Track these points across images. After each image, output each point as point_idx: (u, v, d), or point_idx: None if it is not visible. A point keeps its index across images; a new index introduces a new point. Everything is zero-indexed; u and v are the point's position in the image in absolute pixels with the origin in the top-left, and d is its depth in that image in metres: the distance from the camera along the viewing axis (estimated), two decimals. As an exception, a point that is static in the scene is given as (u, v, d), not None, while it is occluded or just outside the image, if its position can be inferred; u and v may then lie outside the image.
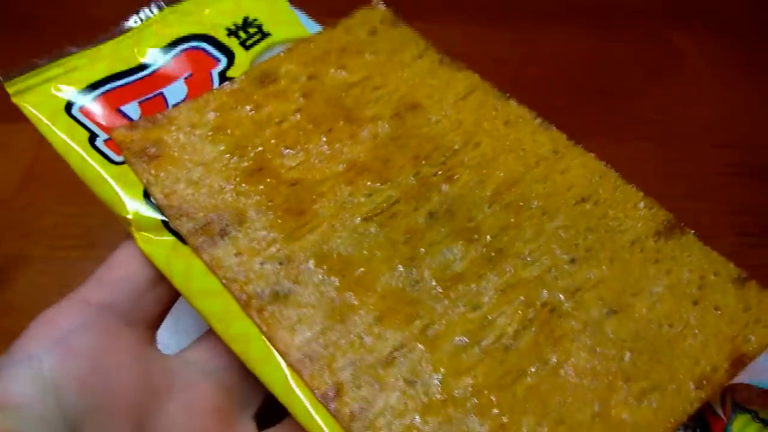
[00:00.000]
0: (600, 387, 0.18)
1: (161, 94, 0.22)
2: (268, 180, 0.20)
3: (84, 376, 0.18)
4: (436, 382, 0.17)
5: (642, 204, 0.21)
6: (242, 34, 0.24)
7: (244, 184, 0.20)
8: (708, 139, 0.39)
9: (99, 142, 0.21)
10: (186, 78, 0.23)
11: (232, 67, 0.23)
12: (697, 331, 0.19)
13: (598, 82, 0.42)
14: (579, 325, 0.18)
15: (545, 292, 0.19)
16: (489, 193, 0.21)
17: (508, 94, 0.23)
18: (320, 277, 0.19)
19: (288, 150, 0.21)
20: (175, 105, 0.22)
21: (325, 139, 0.21)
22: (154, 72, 0.23)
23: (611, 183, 0.21)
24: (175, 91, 0.22)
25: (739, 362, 0.18)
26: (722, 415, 0.23)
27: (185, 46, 0.23)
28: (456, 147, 0.21)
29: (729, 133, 0.39)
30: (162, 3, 0.24)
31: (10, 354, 0.18)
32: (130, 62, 0.23)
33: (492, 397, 0.17)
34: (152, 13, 0.24)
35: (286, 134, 0.21)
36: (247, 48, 0.24)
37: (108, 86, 0.22)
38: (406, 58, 0.23)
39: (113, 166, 0.21)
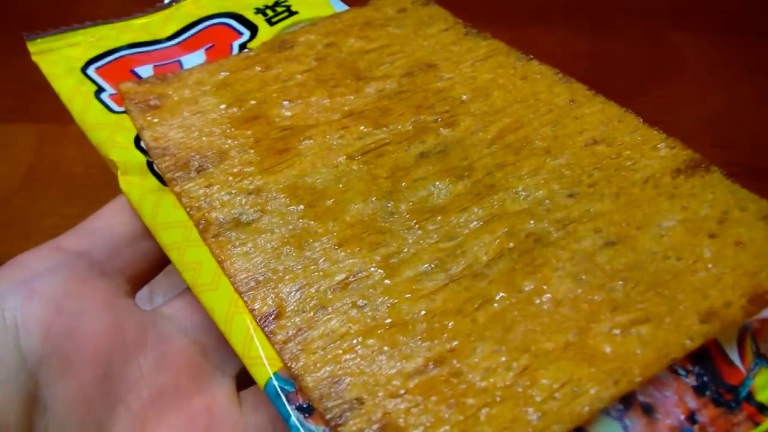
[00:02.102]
0: (579, 316, 0.15)
1: (178, 61, 0.23)
2: (260, 126, 0.20)
3: (47, 318, 0.17)
4: (386, 306, 0.16)
5: (663, 144, 0.19)
6: (269, 12, 0.24)
7: (233, 129, 0.20)
8: (708, 139, 0.39)
9: (104, 96, 0.21)
10: (207, 49, 0.23)
11: (254, 40, 0.23)
12: (711, 265, 0.16)
13: (598, 82, 0.42)
14: (566, 255, 0.17)
15: (532, 222, 0.17)
16: (490, 136, 0.19)
17: (531, 56, 0.22)
18: (286, 206, 0.18)
19: (287, 102, 0.21)
20: (189, 68, 0.22)
21: (327, 93, 0.21)
22: (177, 44, 0.23)
23: (630, 126, 0.20)
24: (194, 60, 0.23)
25: (761, 299, 0.16)
26: (740, 366, 0.17)
27: (211, 22, 0.24)
28: (463, 98, 0.21)
29: (729, 133, 0.39)
30: None
31: None
32: (156, 35, 0.23)
33: (447, 323, 0.16)
34: None
35: (289, 90, 0.21)
36: (272, 24, 0.24)
37: (127, 51, 0.23)
38: (431, 31, 0.23)
39: (111, 114, 0.21)
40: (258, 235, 0.17)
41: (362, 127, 0.20)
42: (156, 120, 0.20)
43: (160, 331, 0.19)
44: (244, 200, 0.18)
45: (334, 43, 0.22)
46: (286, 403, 0.15)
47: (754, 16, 0.46)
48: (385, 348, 0.15)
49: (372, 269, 0.17)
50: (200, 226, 0.18)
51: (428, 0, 0.24)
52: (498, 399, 0.14)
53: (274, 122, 0.20)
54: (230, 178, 0.19)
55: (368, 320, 0.16)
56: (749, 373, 0.16)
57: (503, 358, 0.15)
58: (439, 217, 0.18)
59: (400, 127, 0.20)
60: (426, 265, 0.17)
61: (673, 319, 0.15)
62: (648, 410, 0.15)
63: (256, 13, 0.25)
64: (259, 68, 0.21)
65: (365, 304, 0.16)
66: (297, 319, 0.16)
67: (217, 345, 0.19)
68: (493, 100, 0.20)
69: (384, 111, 0.20)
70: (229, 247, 0.17)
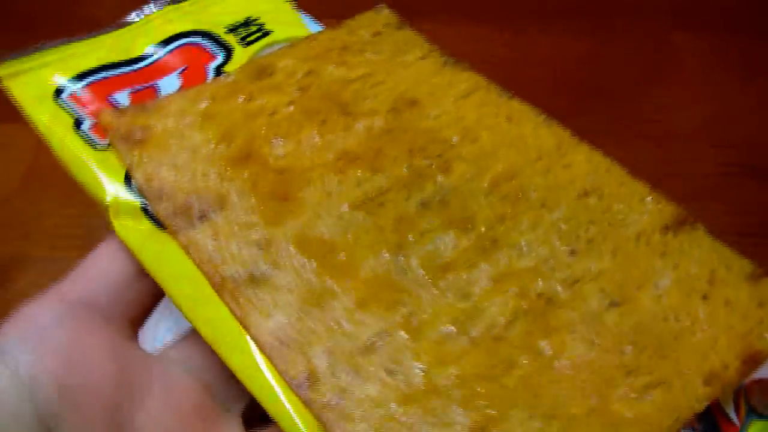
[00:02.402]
0: (598, 381, 0.17)
1: (154, 85, 0.22)
2: (255, 167, 0.20)
3: (58, 372, 0.17)
4: (419, 371, 0.16)
5: (649, 198, 0.20)
6: (242, 31, 0.24)
7: (229, 170, 0.20)
8: (707, 139, 0.39)
9: (84, 127, 0.21)
10: (181, 71, 0.23)
11: (229, 62, 0.23)
12: (706, 326, 0.17)
13: (598, 82, 0.42)
14: (577, 317, 0.17)
15: (541, 282, 0.18)
16: (486, 185, 0.20)
17: (512, 93, 0.22)
18: (299, 260, 0.18)
19: (278, 139, 0.20)
20: (167, 95, 0.22)
21: (317, 130, 0.21)
22: (149, 64, 0.23)
23: (617, 178, 0.20)
24: (169, 84, 0.22)
25: (752, 360, 0.17)
26: (736, 421, 0.21)
27: (183, 41, 0.23)
28: (454, 141, 0.21)
29: (728, 133, 0.39)
30: (165, 0, 0.24)
31: None
32: (128, 54, 0.23)
33: (478, 388, 0.16)
34: (154, 9, 0.24)
35: (277, 125, 0.21)
36: (246, 44, 0.24)
37: (101, 75, 0.22)
38: (409, 58, 0.23)
39: (96, 151, 0.20)
40: (276, 293, 0.18)
41: (359, 172, 0.20)
42: (145, 157, 0.20)
43: (166, 375, 0.19)
44: (255, 253, 0.18)
45: (314, 70, 0.22)
46: None
47: (754, 17, 0.46)
48: (425, 415, 0.16)
49: (395, 331, 0.17)
50: (215, 284, 0.18)
51: (402, 23, 0.24)
52: None
53: (268, 163, 0.20)
54: (236, 228, 0.19)
55: (403, 386, 0.16)
56: (743, 427, 0.19)
57: (538, 424, 0.16)
58: (450, 276, 0.18)
59: (396, 171, 0.20)
60: (446, 328, 0.17)
61: (681, 382, 0.17)
62: None
63: (228, 32, 0.24)
64: (242, 98, 0.21)
65: (397, 369, 0.17)
66: (332, 385, 0.16)
67: (224, 383, 0.20)
68: (482, 143, 0.21)
69: (377, 153, 0.20)
70: (248, 305, 0.17)
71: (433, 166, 0.20)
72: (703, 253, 0.19)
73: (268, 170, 0.20)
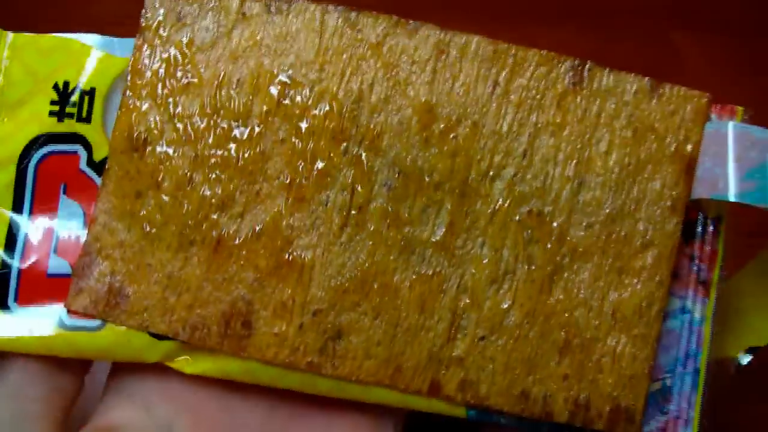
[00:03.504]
0: (610, 257, 0.19)
1: (61, 227, 0.20)
2: (236, 253, 0.20)
3: None
4: (495, 330, 0.19)
5: (544, 65, 0.21)
6: (71, 110, 0.20)
7: (221, 273, 0.20)
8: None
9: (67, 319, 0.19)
10: (64, 192, 0.20)
11: (93, 150, 0.20)
12: (651, 156, 0.20)
13: (598, 82, 0.42)
14: (565, 213, 0.19)
15: (524, 206, 0.20)
16: (417, 132, 0.20)
17: (353, 7, 0.20)
18: (352, 307, 0.19)
19: (221, 206, 0.20)
20: (85, 243, 0.20)
21: (240, 175, 0.20)
22: (30, 216, 0.20)
23: (507, 55, 0.20)
24: (67, 210, 0.20)
25: (689, 168, 0.20)
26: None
27: (34, 160, 0.20)
28: (356, 99, 0.20)
29: (729, 133, 0.39)
30: None
31: None
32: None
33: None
34: None
35: (207, 201, 0.20)
36: (87, 120, 0.20)
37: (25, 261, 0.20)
38: (231, 27, 0.20)
39: (97, 333, 0.19)
40: (360, 336, 0.20)
41: (316, 195, 0.20)
42: (140, 302, 0.20)
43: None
44: (315, 322, 0.20)
45: (176, 110, 0.20)
46: None
47: (754, 16, 0.46)
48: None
49: (465, 314, 0.20)
50: (312, 367, 0.20)
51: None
52: None
53: (245, 235, 0.20)
54: (279, 316, 0.20)
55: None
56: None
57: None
58: (458, 239, 0.20)
59: (338, 174, 0.20)
60: (491, 279, 0.20)
61: (659, 215, 0.20)
62: None
63: (59, 120, 0.20)
64: (152, 191, 0.20)
65: (489, 335, 0.20)
66: (458, 376, 0.20)
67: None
68: (377, 88, 0.20)
69: (312, 157, 0.20)
70: (341, 359, 0.20)
71: (364, 140, 0.20)
72: (611, 90, 0.20)
73: (248, 244, 0.20)
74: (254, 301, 0.20)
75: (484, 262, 0.19)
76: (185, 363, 0.20)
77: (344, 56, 0.20)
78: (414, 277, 0.19)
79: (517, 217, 0.20)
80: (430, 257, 0.20)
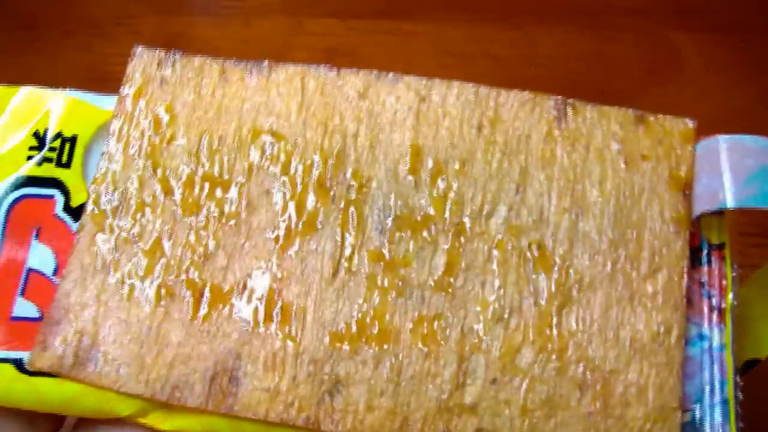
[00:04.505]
0: (618, 284, 0.19)
1: (30, 270, 0.20)
2: (221, 304, 0.19)
3: None
4: (508, 371, 0.18)
5: (526, 107, 0.21)
6: (49, 154, 0.20)
7: (205, 326, 0.19)
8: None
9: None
10: (37, 234, 0.20)
11: (71, 196, 0.20)
12: (645, 179, 0.19)
13: (598, 82, 0.42)
14: (567, 245, 0.19)
15: (523, 239, 0.19)
16: (406, 176, 0.20)
17: (334, 67, 0.21)
18: (350, 354, 0.18)
19: (205, 257, 0.19)
20: (55, 299, 0.19)
21: (224, 222, 0.20)
22: (7, 254, 0.20)
23: (489, 97, 0.21)
24: (38, 256, 0.20)
25: (686, 189, 0.19)
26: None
27: (7, 203, 0.20)
28: (340, 148, 0.20)
29: (728, 132, 0.39)
30: None
31: None
32: None
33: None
34: None
35: (189, 243, 0.19)
36: (66, 166, 0.20)
37: None
38: (213, 89, 0.21)
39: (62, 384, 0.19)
40: (359, 388, 0.19)
41: (306, 238, 0.20)
42: (121, 357, 0.19)
43: None
44: (312, 373, 0.19)
45: (158, 163, 0.20)
46: None
47: (754, 16, 0.46)
48: None
49: (474, 343, 0.19)
50: (309, 424, 0.18)
51: (172, 54, 0.22)
52: None
53: (224, 292, 0.19)
54: (271, 369, 0.19)
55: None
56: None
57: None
58: (459, 277, 0.19)
59: (329, 218, 0.20)
60: (499, 313, 0.19)
61: (661, 241, 0.19)
62: None
63: (39, 164, 0.20)
64: (130, 245, 0.19)
65: (498, 378, 0.18)
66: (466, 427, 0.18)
67: None
68: (362, 140, 0.21)
69: (299, 207, 0.20)
70: (347, 414, 0.19)
71: (351, 188, 0.20)
72: (595, 125, 0.20)
73: (234, 296, 0.19)
74: (242, 355, 0.18)
75: (488, 300, 0.19)
76: (162, 418, 0.18)
77: (327, 110, 0.21)
78: (415, 319, 0.19)
79: (518, 252, 0.19)
80: (429, 299, 0.19)
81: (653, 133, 0.20)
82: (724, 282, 0.19)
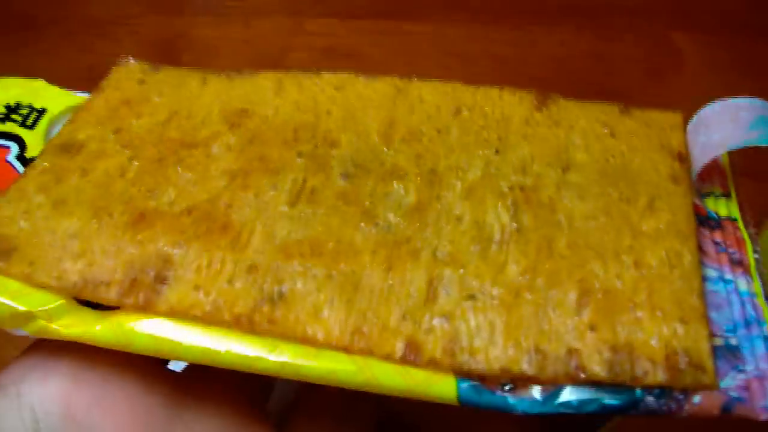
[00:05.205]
0: (615, 217, 0.17)
1: None
2: (160, 222, 0.18)
3: (64, 395, 0.17)
4: (487, 288, 0.16)
5: (505, 94, 0.21)
6: (16, 117, 0.21)
7: (138, 235, 0.18)
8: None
9: None
10: None
11: (26, 149, 0.21)
12: (636, 150, 0.19)
13: (598, 81, 0.42)
14: (553, 188, 0.18)
15: (503, 183, 0.19)
16: (377, 139, 0.20)
17: (315, 68, 0.22)
18: (303, 267, 0.17)
19: (154, 191, 0.19)
20: None
21: (180, 168, 0.19)
22: None
23: (468, 91, 0.21)
24: None
25: (682, 159, 0.19)
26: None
27: None
28: (311, 122, 0.20)
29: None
30: None
31: None
32: None
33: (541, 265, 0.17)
34: None
35: (139, 180, 0.19)
36: (30, 127, 0.21)
37: None
38: (192, 88, 0.22)
39: None
40: (307, 298, 0.17)
41: (263, 180, 0.19)
42: (34, 262, 0.18)
43: (201, 389, 0.19)
44: (251, 280, 0.17)
45: (120, 128, 0.21)
46: (484, 389, 0.15)
47: (754, 16, 0.46)
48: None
49: (439, 271, 0.17)
50: (241, 323, 0.16)
51: (154, 66, 0.23)
52: None
53: (166, 212, 0.18)
54: (206, 272, 0.17)
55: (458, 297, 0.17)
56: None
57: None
58: (429, 213, 0.18)
59: (292, 163, 0.19)
60: (473, 247, 0.17)
61: (662, 190, 0.19)
62: None
63: (3, 121, 0.21)
64: (76, 176, 0.19)
65: (474, 295, 0.16)
66: (438, 336, 0.16)
67: (255, 390, 0.19)
68: (336, 115, 0.21)
69: (260, 159, 0.20)
70: (294, 319, 0.17)
71: (318, 146, 0.20)
72: (579, 112, 0.20)
73: (174, 217, 0.18)
74: (173, 259, 0.17)
75: (463, 230, 0.17)
76: (69, 321, 0.17)
77: (302, 96, 0.21)
78: (378, 240, 0.17)
79: (497, 191, 0.18)
80: (396, 227, 0.18)
81: (640, 120, 0.20)
82: (740, 237, 0.18)
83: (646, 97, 0.41)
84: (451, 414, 0.20)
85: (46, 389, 0.17)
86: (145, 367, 0.18)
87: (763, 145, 0.18)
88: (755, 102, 0.20)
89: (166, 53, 0.43)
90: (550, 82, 0.42)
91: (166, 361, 0.20)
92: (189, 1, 0.47)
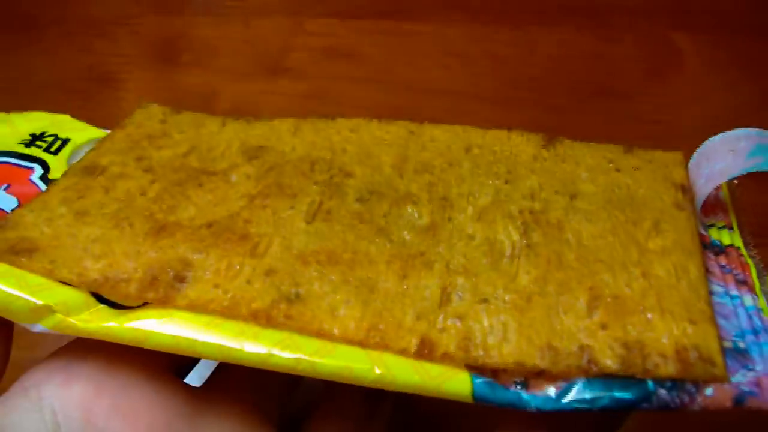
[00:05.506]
0: (622, 237, 0.18)
1: None
2: (179, 233, 0.19)
3: (86, 400, 0.17)
4: (500, 293, 0.17)
5: (513, 135, 0.22)
6: (41, 143, 0.22)
7: (159, 243, 0.18)
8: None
9: None
10: (6, 189, 0.21)
11: (50, 171, 0.21)
12: (640, 182, 0.20)
13: (598, 81, 0.42)
14: (561, 212, 0.19)
15: (512, 207, 0.19)
16: (390, 171, 0.21)
17: (333, 116, 0.23)
18: (317, 272, 0.17)
19: (173, 207, 0.19)
20: (15, 209, 0.20)
21: (201, 191, 0.20)
22: None
23: (478, 133, 0.22)
24: (3, 200, 0.20)
25: (685, 190, 0.20)
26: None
27: None
28: (327, 157, 0.21)
29: (729, 133, 0.39)
30: None
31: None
32: None
33: (553, 284, 0.17)
34: None
35: (160, 199, 0.20)
36: (54, 153, 0.22)
37: None
38: (212, 128, 0.23)
39: None
40: (324, 299, 0.17)
41: (281, 202, 0.20)
42: (56, 260, 0.18)
43: (217, 401, 0.19)
44: (268, 282, 0.17)
45: (142, 156, 0.22)
46: (503, 388, 0.15)
47: (754, 16, 0.46)
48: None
49: (452, 279, 0.18)
50: (259, 318, 0.17)
51: (174, 110, 0.24)
52: None
53: (187, 225, 0.19)
54: (224, 273, 0.17)
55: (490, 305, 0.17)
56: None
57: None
58: (440, 231, 0.19)
59: (308, 189, 0.20)
60: (485, 261, 0.18)
61: (669, 214, 0.19)
62: None
63: (28, 146, 0.22)
64: (100, 193, 0.20)
65: (487, 299, 0.17)
66: (451, 335, 0.16)
67: (267, 398, 0.19)
68: (351, 152, 0.22)
69: (279, 186, 0.20)
70: (311, 316, 0.17)
71: (334, 177, 0.21)
72: (585, 151, 0.21)
73: (195, 229, 0.19)
74: (192, 262, 0.18)
75: (475, 245, 0.18)
76: (88, 317, 0.17)
77: (318, 136, 0.22)
78: (393, 253, 0.18)
79: (507, 214, 0.19)
80: (410, 242, 0.18)
81: (643, 158, 0.21)
82: (744, 262, 0.19)
83: (646, 97, 0.41)
84: (470, 414, 0.20)
85: (67, 394, 0.17)
86: (165, 378, 0.18)
87: (763, 170, 0.19)
88: (752, 132, 0.21)
89: (166, 53, 0.43)
90: (550, 83, 0.42)
91: (185, 374, 0.21)
92: (189, 1, 0.47)
